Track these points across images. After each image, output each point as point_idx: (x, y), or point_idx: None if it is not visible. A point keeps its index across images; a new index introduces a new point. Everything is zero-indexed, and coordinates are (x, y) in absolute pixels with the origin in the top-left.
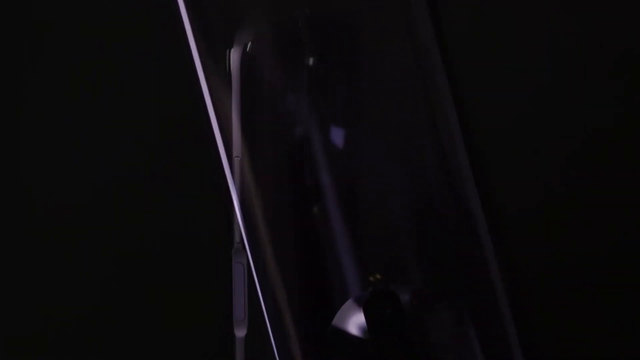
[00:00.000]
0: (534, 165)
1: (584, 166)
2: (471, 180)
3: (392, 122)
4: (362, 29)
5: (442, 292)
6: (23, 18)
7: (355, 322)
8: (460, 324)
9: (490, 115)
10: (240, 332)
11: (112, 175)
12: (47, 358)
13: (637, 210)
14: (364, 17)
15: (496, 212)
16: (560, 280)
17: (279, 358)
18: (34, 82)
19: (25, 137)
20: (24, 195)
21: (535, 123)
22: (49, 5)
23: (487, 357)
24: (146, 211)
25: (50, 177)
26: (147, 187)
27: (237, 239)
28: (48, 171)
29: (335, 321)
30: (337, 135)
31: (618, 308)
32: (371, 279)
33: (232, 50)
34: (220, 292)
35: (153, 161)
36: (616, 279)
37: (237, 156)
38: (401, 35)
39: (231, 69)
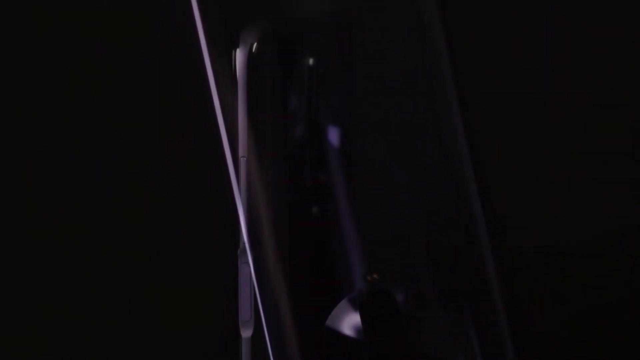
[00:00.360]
0: (534, 166)
1: (583, 166)
2: (472, 182)
3: (394, 123)
4: (369, 28)
5: (440, 292)
6: (23, 18)
7: (349, 322)
8: (458, 324)
9: (490, 116)
10: (247, 333)
11: (112, 175)
12: (47, 358)
13: (637, 210)
14: (370, 16)
15: (495, 214)
16: (558, 281)
17: (279, 358)
18: (34, 82)
19: (25, 137)
20: (24, 195)
21: (535, 124)
22: (49, 5)
23: (485, 358)
24: (146, 211)
25: (50, 177)
26: (147, 187)
27: (243, 239)
28: (48, 171)
29: (329, 321)
30: (340, 136)
31: (617, 309)
32: (368, 278)
33: (237, 50)
34: (221, 292)
35: (153, 161)
36: (615, 280)
37: (243, 156)
38: (408, 34)
39: (237, 69)
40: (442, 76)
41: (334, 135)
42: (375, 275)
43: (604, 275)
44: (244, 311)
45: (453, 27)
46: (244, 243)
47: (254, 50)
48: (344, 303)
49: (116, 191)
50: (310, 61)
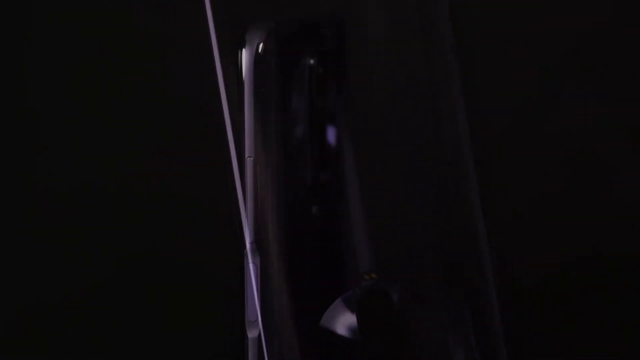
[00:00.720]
0: (534, 167)
1: (584, 167)
2: (474, 182)
3: (397, 123)
4: (374, 27)
5: (438, 292)
6: (23, 18)
7: (343, 322)
8: (455, 324)
9: (492, 116)
10: (253, 333)
11: (112, 175)
12: (47, 358)
13: (633, 210)
14: (374, 15)
15: (495, 215)
16: (557, 282)
17: (280, 358)
18: (34, 81)
19: (25, 137)
20: (24, 196)
21: (534, 125)
22: (50, 5)
23: (482, 358)
24: (146, 211)
25: (50, 177)
26: (147, 187)
27: (250, 239)
28: (48, 171)
29: (324, 321)
30: (343, 136)
31: (617, 310)
32: (366, 277)
33: (244, 50)
34: (220, 293)
35: (157, 161)
36: (616, 280)
37: (249, 156)
38: (414, 34)
39: (243, 69)
40: (447, 77)
41: (337, 135)
42: (373, 275)
43: (604, 275)
44: (251, 312)
45: (457, 28)
46: (251, 243)
47: (260, 50)
48: (338, 302)
49: (117, 191)
50: (316, 61)
